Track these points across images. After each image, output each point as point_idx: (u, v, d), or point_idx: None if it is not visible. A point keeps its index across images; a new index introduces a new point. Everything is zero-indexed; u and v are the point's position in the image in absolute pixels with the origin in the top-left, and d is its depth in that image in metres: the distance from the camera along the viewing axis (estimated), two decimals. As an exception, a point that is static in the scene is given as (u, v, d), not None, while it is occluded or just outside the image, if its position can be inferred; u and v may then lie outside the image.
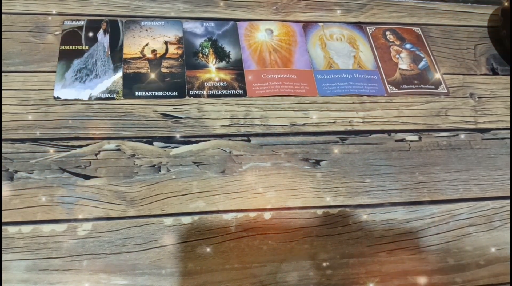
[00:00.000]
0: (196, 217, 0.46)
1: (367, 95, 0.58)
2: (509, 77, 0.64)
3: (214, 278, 0.43)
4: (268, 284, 0.43)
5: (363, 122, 0.56)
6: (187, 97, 0.54)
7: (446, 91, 0.61)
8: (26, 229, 0.43)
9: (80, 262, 0.42)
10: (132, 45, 0.57)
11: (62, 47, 0.55)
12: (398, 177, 0.52)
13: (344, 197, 0.50)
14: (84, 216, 0.44)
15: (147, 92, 0.54)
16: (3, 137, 0.48)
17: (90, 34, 0.57)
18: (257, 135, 0.53)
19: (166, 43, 0.58)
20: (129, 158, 0.49)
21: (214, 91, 0.55)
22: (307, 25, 0.64)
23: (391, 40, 0.65)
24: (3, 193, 0.45)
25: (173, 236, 0.45)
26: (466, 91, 0.62)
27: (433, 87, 0.61)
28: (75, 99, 0.52)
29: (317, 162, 0.52)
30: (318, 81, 0.58)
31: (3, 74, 0.52)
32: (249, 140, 0.52)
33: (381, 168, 0.52)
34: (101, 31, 0.58)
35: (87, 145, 0.49)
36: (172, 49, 0.58)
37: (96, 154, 0.48)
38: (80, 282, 0.41)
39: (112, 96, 0.53)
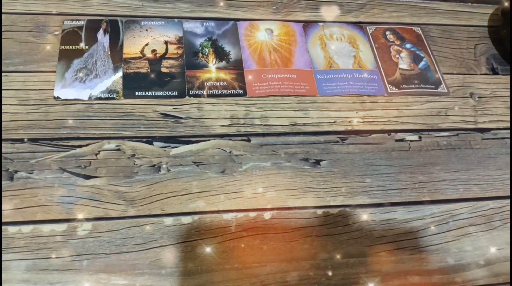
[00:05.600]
0: (196, 217, 0.46)
1: (367, 95, 0.58)
2: (509, 76, 0.64)
3: (214, 278, 0.43)
4: (268, 284, 0.43)
5: (363, 122, 0.56)
6: (187, 97, 0.54)
7: (446, 91, 0.61)
8: (26, 229, 0.43)
9: (80, 262, 0.42)
10: (132, 45, 0.57)
11: (62, 47, 0.55)
12: (398, 177, 0.52)
13: (344, 197, 0.50)
14: (84, 216, 0.44)
15: (147, 92, 0.54)
16: (3, 137, 0.48)
17: (90, 34, 0.57)
18: (257, 135, 0.53)
19: (166, 43, 0.58)
20: (129, 158, 0.49)
21: (214, 91, 0.55)
22: (307, 25, 0.64)
23: (391, 40, 0.65)
24: (3, 193, 0.45)
25: (173, 236, 0.45)
26: (466, 91, 0.61)
27: (433, 87, 0.61)
28: (75, 99, 0.52)
29: (317, 162, 0.52)
30: (318, 80, 0.58)
31: (3, 74, 0.52)
32: (249, 140, 0.52)
33: (381, 168, 0.52)
34: (101, 31, 0.58)
35: (87, 145, 0.49)
36: (172, 49, 0.58)
37: (96, 154, 0.48)
38: (80, 282, 0.41)
39: (112, 96, 0.53)
